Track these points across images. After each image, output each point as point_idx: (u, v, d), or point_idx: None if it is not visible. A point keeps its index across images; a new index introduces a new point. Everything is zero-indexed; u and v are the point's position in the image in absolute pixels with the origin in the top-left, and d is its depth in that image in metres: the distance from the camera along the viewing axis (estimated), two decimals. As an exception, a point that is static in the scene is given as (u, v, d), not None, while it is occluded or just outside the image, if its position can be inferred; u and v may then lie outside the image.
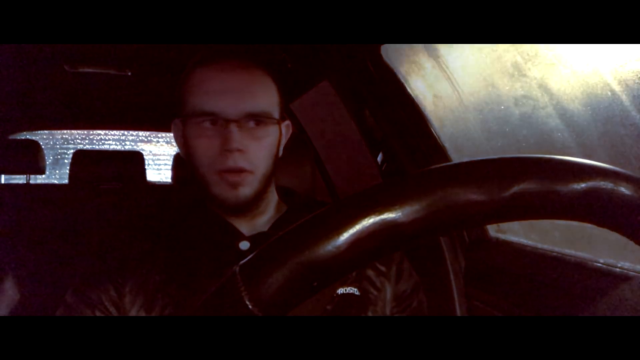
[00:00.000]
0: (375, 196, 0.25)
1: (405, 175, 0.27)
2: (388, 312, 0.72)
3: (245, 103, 0.67)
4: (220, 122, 0.66)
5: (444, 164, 0.27)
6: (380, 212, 0.25)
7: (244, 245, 0.70)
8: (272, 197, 0.76)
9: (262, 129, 0.68)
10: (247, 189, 0.68)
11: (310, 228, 0.25)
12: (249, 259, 0.26)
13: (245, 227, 0.73)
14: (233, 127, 0.65)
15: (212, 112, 0.66)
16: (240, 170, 0.66)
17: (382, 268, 0.73)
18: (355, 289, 0.69)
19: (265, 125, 0.69)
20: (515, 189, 0.25)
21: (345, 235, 0.25)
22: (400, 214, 0.25)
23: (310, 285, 0.25)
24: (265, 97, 0.70)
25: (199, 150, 0.67)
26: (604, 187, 0.25)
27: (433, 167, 0.27)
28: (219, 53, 0.71)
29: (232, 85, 0.67)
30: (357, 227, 0.25)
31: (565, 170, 0.26)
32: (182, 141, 0.72)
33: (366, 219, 0.25)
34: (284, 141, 0.76)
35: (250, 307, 0.25)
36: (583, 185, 0.25)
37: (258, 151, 0.68)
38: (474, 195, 0.25)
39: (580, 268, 0.79)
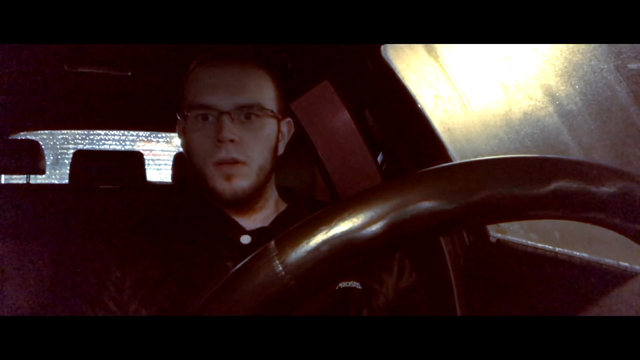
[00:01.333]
0: (419, 180, 0.26)
1: (450, 165, 0.27)
2: (389, 308, 0.72)
3: (238, 95, 0.69)
4: (214, 114, 0.68)
5: (490, 158, 0.27)
6: (423, 197, 0.25)
7: (245, 239, 0.70)
8: (272, 194, 0.77)
9: (256, 121, 0.70)
10: (242, 181, 0.68)
11: (351, 206, 0.26)
12: (286, 232, 0.26)
13: (245, 222, 0.73)
14: (225, 119, 0.67)
15: (206, 105, 0.68)
16: (233, 161, 0.68)
17: (384, 264, 0.74)
18: (357, 284, 0.70)
19: (259, 117, 0.70)
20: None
21: (385, 217, 0.25)
22: (443, 202, 0.25)
23: (347, 263, 0.26)
24: (258, 90, 0.71)
25: (196, 143, 0.69)
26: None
27: (481, 159, 0.28)
28: (218, 54, 0.73)
29: (225, 80, 0.70)
30: (398, 210, 0.25)
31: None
32: (183, 138, 0.74)
33: (407, 202, 0.25)
34: (285, 139, 0.76)
35: (285, 276, 0.25)
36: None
37: (251, 142, 0.69)
38: (515, 189, 0.26)
39: (580, 268, 0.79)
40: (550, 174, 0.26)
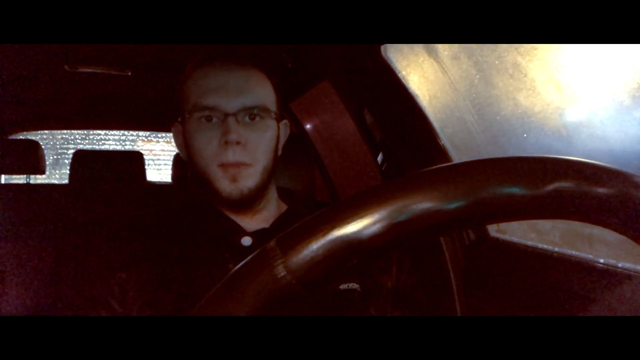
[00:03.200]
0: (420, 180, 0.26)
1: (450, 165, 0.27)
2: (389, 309, 0.72)
3: (242, 97, 0.69)
4: (218, 116, 0.68)
5: (491, 158, 0.27)
6: (424, 197, 0.25)
7: (246, 240, 0.70)
8: (273, 195, 0.77)
9: (260, 122, 0.70)
10: (247, 182, 0.69)
11: (353, 205, 0.26)
12: (286, 232, 0.26)
13: (246, 223, 0.73)
14: (231, 120, 0.67)
15: (210, 106, 0.68)
16: (239, 164, 0.68)
17: (384, 265, 0.74)
18: (357, 285, 0.70)
19: (262, 119, 0.71)
20: (554, 186, 0.26)
21: (387, 217, 0.25)
22: (443, 202, 0.25)
23: (348, 262, 0.26)
24: (261, 92, 0.72)
25: (199, 145, 0.69)
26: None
27: (480, 159, 0.28)
28: (216, 55, 0.74)
29: (229, 82, 0.70)
30: (399, 210, 0.25)
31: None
32: (183, 140, 0.74)
33: (409, 202, 0.25)
34: (282, 140, 0.77)
35: (286, 276, 0.25)
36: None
37: (257, 144, 0.69)
38: (515, 190, 0.26)
39: (580, 268, 0.79)
40: (550, 174, 0.26)
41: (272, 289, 0.25)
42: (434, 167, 0.27)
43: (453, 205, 0.25)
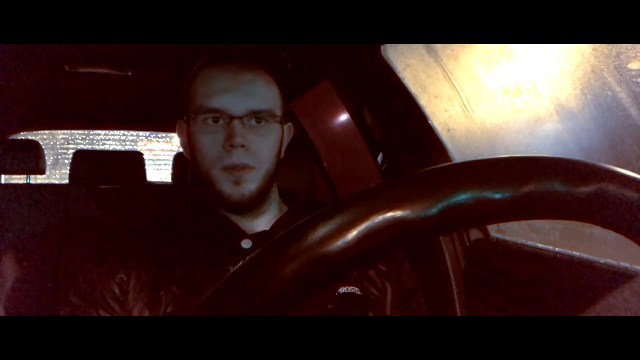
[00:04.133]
0: (386, 193, 0.26)
1: (417, 172, 0.27)
2: (388, 312, 0.72)
3: (249, 101, 0.69)
4: (224, 118, 0.68)
5: (452, 163, 0.27)
6: (391, 209, 0.25)
7: (246, 243, 0.70)
8: (274, 197, 0.77)
9: (265, 126, 0.70)
10: (250, 185, 0.69)
11: (320, 223, 0.25)
12: (256, 253, 0.26)
13: (247, 226, 0.73)
14: (237, 124, 0.67)
15: (217, 108, 0.68)
16: (244, 166, 0.68)
17: (383, 268, 0.73)
18: (357, 289, 0.70)
19: (268, 123, 0.70)
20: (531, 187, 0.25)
21: (355, 231, 0.25)
22: (410, 211, 0.25)
23: (319, 281, 0.25)
24: (268, 96, 0.72)
25: (203, 146, 0.69)
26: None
27: (443, 165, 0.27)
28: (225, 55, 0.73)
29: (236, 84, 0.69)
30: (368, 223, 0.25)
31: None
32: (187, 140, 0.74)
33: (377, 215, 0.25)
34: (285, 143, 0.77)
35: (257, 301, 0.25)
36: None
37: (261, 148, 0.69)
38: (486, 194, 0.25)
39: (580, 268, 0.79)
40: (522, 177, 0.25)
41: (242, 311, 0.25)
42: (404, 175, 0.27)
43: (421, 215, 0.25)
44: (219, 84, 0.69)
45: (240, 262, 0.26)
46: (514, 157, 0.27)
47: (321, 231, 0.25)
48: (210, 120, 0.69)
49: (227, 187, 0.68)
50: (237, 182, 0.68)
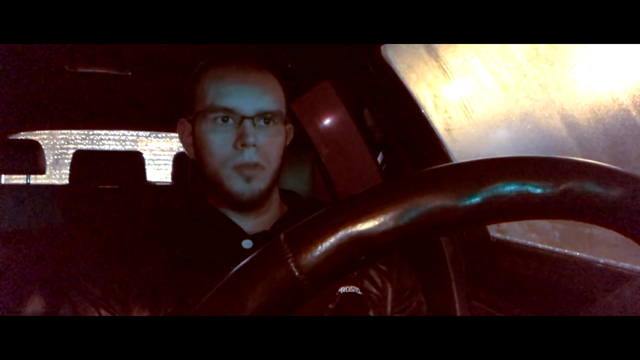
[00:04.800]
0: (432, 178, 0.26)
1: (462, 163, 0.27)
2: (389, 312, 0.72)
3: (260, 101, 0.69)
4: (234, 118, 0.69)
5: (499, 157, 0.27)
6: (436, 194, 0.25)
7: (247, 243, 0.70)
8: (276, 197, 0.77)
9: (273, 126, 0.71)
10: (260, 183, 0.70)
11: (362, 202, 0.26)
12: (295, 228, 0.26)
13: (247, 225, 0.73)
14: (248, 123, 0.68)
15: (228, 108, 0.68)
16: (255, 165, 0.69)
17: (384, 268, 0.74)
18: (357, 288, 0.70)
19: (275, 123, 0.71)
20: (565, 186, 0.26)
21: (397, 214, 0.25)
22: (455, 200, 0.25)
23: (357, 259, 0.25)
24: (276, 97, 0.73)
25: (213, 145, 0.69)
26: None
27: (491, 157, 0.28)
28: (232, 55, 0.74)
29: (247, 84, 0.70)
30: (409, 208, 0.25)
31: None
32: (191, 139, 0.73)
33: (419, 201, 0.25)
34: (287, 143, 0.77)
35: (296, 273, 0.25)
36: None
37: (270, 148, 0.70)
38: (529, 189, 0.26)
39: (580, 268, 0.79)
40: (561, 175, 0.26)
41: (280, 287, 0.25)
42: (446, 164, 0.27)
43: (464, 204, 0.25)
44: (229, 84, 0.70)
45: (275, 238, 0.26)
46: (556, 157, 0.27)
47: (366, 211, 0.25)
48: (219, 120, 0.69)
49: (238, 185, 0.69)
50: (248, 180, 0.69)
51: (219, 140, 0.69)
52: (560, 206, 0.26)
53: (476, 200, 0.25)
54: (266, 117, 0.70)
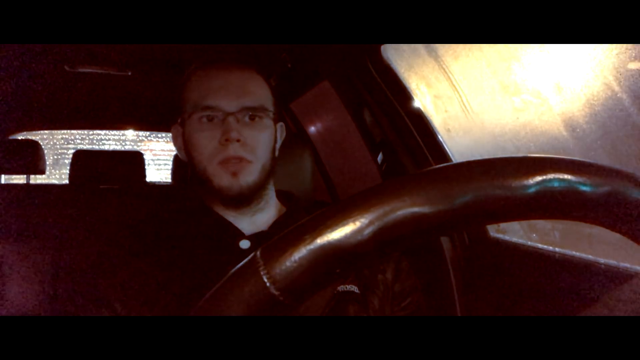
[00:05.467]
0: (402, 186, 0.26)
1: (435, 168, 0.27)
2: (387, 311, 0.72)
3: (243, 98, 0.71)
4: (219, 115, 0.70)
5: (477, 159, 0.27)
6: (407, 203, 0.25)
7: (244, 244, 0.71)
8: (272, 195, 0.77)
9: (258, 122, 0.72)
10: (247, 177, 0.70)
11: (335, 214, 0.25)
12: (271, 242, 0.26)
13: (245, 226, 0.73)
14: (231, 120, 0.69)
15: (212, 106, 0.70)
16: (240, 159, 0.69)
17: (382, 267, 0.74)
18: (355, 287, 0.70)
19: (261, 119, 0.72)
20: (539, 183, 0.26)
21: (370, 223, 0.25)
22: (426, 205, 0.25)
23: (332, 271, 0.25)
24: (260, 93, 0.74)
25: (200, 143, 0.70)
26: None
27: (465, 161, 0.27)
28: (216, 57, 0.75)
29: (230, 83, 0.72)
30: (382, 216, 0.25)
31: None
32: (182, 141, 0.75)
33: (392, 208, 0.25)
34: (279, 142, 0.78)
35: (271, 289, 0.25)
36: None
37: (256, 142, 0.71)
38: (499, 191, 0.25)
39: (580, 268, 0.79)
40: (538, 174, 0.26)
41: (257, 301, 0.25)
42: (418, 171, 0.27)
43: (435, 209, 0.25)
44: (212, 84, 0.71)
45: (253, 253, 0.26)
46: (528, 156, 0.27)
47: (339, 222, 0.25)
48: (205, 119, 0.70)
49: (225, 180, 0.69)
50: (235, 174, 0.69)
51: (204, 139, 0.70)
52: (537, 207, 0.26)
53: (449, 206, 0.25)
54: (250, 112, 0.71)
